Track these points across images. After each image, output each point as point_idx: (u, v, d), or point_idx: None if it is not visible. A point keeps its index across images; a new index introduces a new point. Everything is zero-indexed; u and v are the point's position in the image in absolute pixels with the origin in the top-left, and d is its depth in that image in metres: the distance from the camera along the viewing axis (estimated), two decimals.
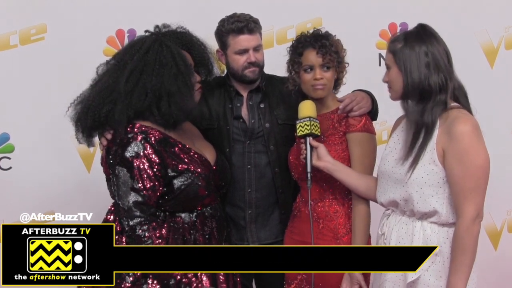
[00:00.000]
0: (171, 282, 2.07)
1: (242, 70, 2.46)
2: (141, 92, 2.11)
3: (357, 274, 2.22)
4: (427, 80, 1.95)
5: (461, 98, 2.02)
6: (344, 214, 2.32)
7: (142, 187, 2.07)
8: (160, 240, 2.07)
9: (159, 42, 2.17)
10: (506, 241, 3.54)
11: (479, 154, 1.91)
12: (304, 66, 2.32)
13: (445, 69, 1.96)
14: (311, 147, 2.23)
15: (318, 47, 2.29)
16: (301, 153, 2.28)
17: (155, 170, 2.09)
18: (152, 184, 2.08)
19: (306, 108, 2.26)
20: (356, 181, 2.23)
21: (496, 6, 3.42)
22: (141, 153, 2.08)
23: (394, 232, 2.06)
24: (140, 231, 2.05)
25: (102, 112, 2.12)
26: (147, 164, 2.08)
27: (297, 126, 2.25)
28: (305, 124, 2.22)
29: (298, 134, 2.25)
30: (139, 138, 2.10)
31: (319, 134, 2.25)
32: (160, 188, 2.12)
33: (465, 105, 2.02)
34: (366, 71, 3.14)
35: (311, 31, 2.37)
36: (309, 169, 2.22)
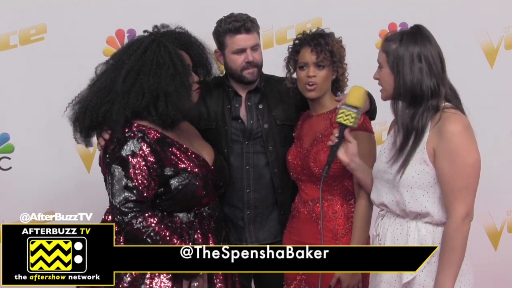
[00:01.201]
0: None
1: (241, 70, 2.45)
2: (138, 92, 2.11)
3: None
4: (419, 84, 1.93)
5: (453, 101, 2.00)
6: (343, 215, 2.32)
7: (136, 185, 2.07)
8: (160, 225, 2.07)
9: (157, 42, 2.17)
10: (506, 241, 3.54)
11: (470, 154, 1.89)
12: (300, 64, 2.33)
13: (437, 74, 1.94)
14: (344, 138, 2.12)
15: (314, 45, 2.30)
16: (330, 138, 2.17)
17: (150, 169, 2.09)
18: (147, 183, 2.08)
19: (359, 97, 2.11)
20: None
21: (496, 6, 3.42)
22: (138, 152, 2.08)
23: (389, 233, 2.06)
24: (137, 223, 2.05)
25: (100, 112, 2.12)
26: (143, 163, 2.08)
27: (341, 111, 2.11)
28: (350, 115, 2.09)
29: (337, 119, 2.11)
30: (137, 137, 2.10)
31: (356, 126, 2.14)
32: (156, 188, 2.12)
33: (457, 105, 2.00)
34: (365, 71, 3.13)
35: (313, 30, 2.38)
36: (332, 159, 2.14)
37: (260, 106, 2.52)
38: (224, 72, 2.58)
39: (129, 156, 2.08)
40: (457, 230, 1.89)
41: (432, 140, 1.93)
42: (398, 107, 2.01)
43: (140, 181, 2.07)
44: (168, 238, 2.07)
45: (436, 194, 1.96)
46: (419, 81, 1.93)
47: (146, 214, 2.07)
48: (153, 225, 2.06)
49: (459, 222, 1.89)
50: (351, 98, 2.11)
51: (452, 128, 1.89)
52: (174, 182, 2.14)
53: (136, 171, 2.07)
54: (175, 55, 2.15)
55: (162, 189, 2.14)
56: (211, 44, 2.48)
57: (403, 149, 1.97)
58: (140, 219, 2.05)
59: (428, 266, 1.96)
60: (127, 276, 2.08)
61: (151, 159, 2.10)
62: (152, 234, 2.05)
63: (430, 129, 1.94)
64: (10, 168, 3.23)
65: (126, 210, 2.05)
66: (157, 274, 2.11)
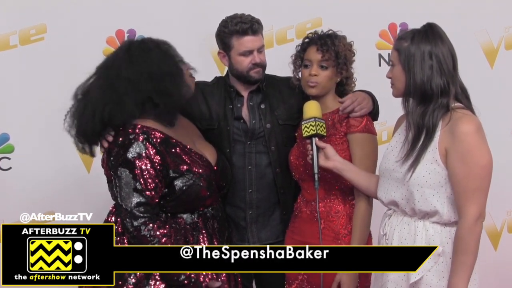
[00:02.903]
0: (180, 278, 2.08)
1: (247, 71, 2.45)
2: (132, 79, 2.10)
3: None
4: (429, 82, 1.94)
5: (463, 100, 2.01)
6: (345, 215, 2.32)
7: (144, 187, 2.07)
8: (165, 238, 2.07)
9: (138, 39, 2.20)
10: (506, 241, 3.54)
11: (482, 154, 1.90)
12: (305, 61, 2.35)
13: (448, 73, 1.95)
14: (318, 148, 2.22)
15: (320, 44, 2.31)
16: (307, 154, 2.26)
17: (157, 170, 2.09)
18: (154, 184, 2.08)
19: (311, 109, 2.24)
20: (365, 181, 2.22)
21: (496, 6, 3.42)
22: (143, 154, 2.08)
23: (396, 233, 2.06)
24: (145, 230, 2.05)
25: (105, 111, 2.10)
26: (150, 164, 2.08)
27: (303, 127, 2.23)
28: (310, 125, 2.21)
29: (304, 135, 2.23)
30: (141, 138, 2.10)
31: (325, 134, 2.24)
32: (162, 189, 2.12)
33: (468, 106, 2.02)
34: (366, 71, 3.12)
35: (325, 31, 2.38)
36: (316, 170, 2.21)
37: (262, 106, 2.51)
38: (225, 72, 2.58)
39: (135, 159, 2.07)
40: (470, 231, 1.89)
41: (443, 140, 1.94)
42: (409, 104, 2.02)
43: (148, 183, 2.08)
44: None
45: (445, 194, 1.96)
46: (429, 79, 1.94)
47: (155, 225, 2.07)
48: (159, 237, 2.06)
49: (471, 223, 1.89)
50: (305, 113, 2.24)
51: (465, 129, 1.90)
52: (178, 183, 2.14)
53: (144, 173, 2.07)
54: (162, 43, 2.17)
55: (166, 190, 2.14)
56: (211, 45, 2.47)
57: (414, 147, 1.97)
58: (149, 227, 2.05)
59: (436, 266, 1.96)
60: (132, 277, 2.08)
61: (157, 160, 2.10)
62: (156, 245, 2.05)
63: (441, 128, 1.95)
64: (10, 168, 3.23)
65: (138, 214, 2.05)
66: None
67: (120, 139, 2.11)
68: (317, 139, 2.22)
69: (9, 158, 3.22)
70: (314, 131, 2.20)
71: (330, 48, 2.30)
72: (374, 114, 2.41)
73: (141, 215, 2.05)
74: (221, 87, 2.55)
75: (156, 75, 2.11)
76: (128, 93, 2.09)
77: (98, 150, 2.27)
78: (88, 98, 2.16)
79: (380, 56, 3.36)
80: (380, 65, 3.36)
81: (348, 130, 2.30)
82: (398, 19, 3.36)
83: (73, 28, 3.19)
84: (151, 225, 2.06)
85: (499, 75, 3.43)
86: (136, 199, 2.06)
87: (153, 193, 2.08)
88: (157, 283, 2.10)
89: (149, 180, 2.07)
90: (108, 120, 2.12)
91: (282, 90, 2.52)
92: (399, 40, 2.03)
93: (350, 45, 2.39)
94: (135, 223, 2.05)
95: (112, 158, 2.11)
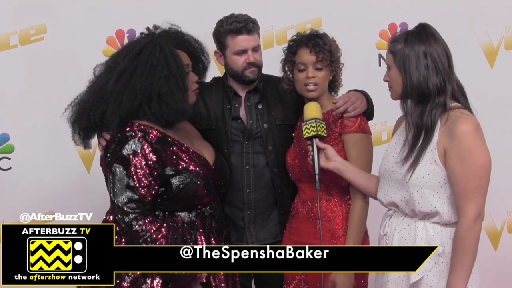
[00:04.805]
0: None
1: (242, 70, 2.45)
2: (131, 92, 2.11)
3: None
4: (426, 82, 1.94)
5: (460, 98, 2.01)
6: (341, 215, 2.32)
7: (137, 185, 2.07)
8: (158, 233, 2.06)
9: (153, 44, 2.17)
10: (506, 241, 3.54)
11: (481, 154, 1.90)
12: (298, 65, 2.33)
13: (443, 71, 1.96)
14: (318, 149, 2.22)
15: (312, 45, 2.29)
16: (307, 155, 2.26)
17: (151, 168, 2.09)
18: (148, 182, 2.08)
19: (311, 110, 2.24)
20: (365, 181, 2.22)
21: (496, 6, 3.42)
22: (139, 151, 2.09)
23: (397, 233, 2.06)
24: (136, 226, 2.05)
25: (97, 113, 2.12)
26: (144, 162, 2.08)
27: (303, 128, 2.23)
28: (311, 126, 2.21)
29: (304, 136, 2.23)
30: (138, 136, 2.10)
31: (326, 135, 2.24)
32: (157, 187, 2.12)
33: (465, 105, 2.02)
34: (366, 71, 3.14)
35: (308, 32, 2.37)
36: (317, 171, 2.21)
37: (260, 106, 2.52)
38: (224, 73, 2.58)
39: (131, 155, 2.08)
40: (469, 230, 1.89)
41: (442, 140, 1.94)
42: (407, 105, 2.02)
43: (141, 180, 2.07)
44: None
45: (445, 194, 1.96)
46: (425, 78, 1.94)
47: (147, 220, 2.07)
48: (151, 231, 2.06)
49: (471, 223, 1.89)
50: (306, 114, 2.23)
51: (463, 128, 1.90)
52: (175, 182, 2.14)
53: (138, 170, 2.07)
54: (171, 57, 2.15)
55: (163, 188, 2.14)
56: (211, 46, 2.48)
57: (413, 148, 1.98)
58: (140, 222, 2.05)
59: (436, 266, 1.96)
60: (129, 275, 2.08)
61: (152, 159, 2.10)
62: (148, 240, 2.05)
63: (439, 128, 1.95)
64: (10, 168, 3.23)
65: (128, 210, 2.05)
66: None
67: (117, 136, 2.11)
68: (317, 140, 2.22)
69: (9, 158, 3.22)
70: (314, 132, 2.20)
71: (323, 48, 2.29)
72: (369, 113, 2.40)
73: (132, 211, 2.05)
74: (219, 87, 2.55)
75: (152, 94, 2.11)
76: (116, 103, 2.10)
77: (94, 146, 2.27)
78: (89, 92, 2.18)
79: (380, 56, 3.36)
80: (380, 65, 3.36)
81: (343, 130, 2.29)
82: (398, 19, 3.36)
83: (73, 28, 3.19)
84: (141, 220, 2.05)
85: (499, 75, 3.43)
86: (128, 195, 2.06)
87: (146, 190, 2.08)
88: (155, 280, 2.09)
89: (143, 178, 2.08)
90: (99, 121, 2.13)
91: (280, 90, 2.51)
92: (392, 42, 2.03)
93: (335, 41, 2.38)
94: (126, 219, 2.05)
95: (108, 155, 2.12)
